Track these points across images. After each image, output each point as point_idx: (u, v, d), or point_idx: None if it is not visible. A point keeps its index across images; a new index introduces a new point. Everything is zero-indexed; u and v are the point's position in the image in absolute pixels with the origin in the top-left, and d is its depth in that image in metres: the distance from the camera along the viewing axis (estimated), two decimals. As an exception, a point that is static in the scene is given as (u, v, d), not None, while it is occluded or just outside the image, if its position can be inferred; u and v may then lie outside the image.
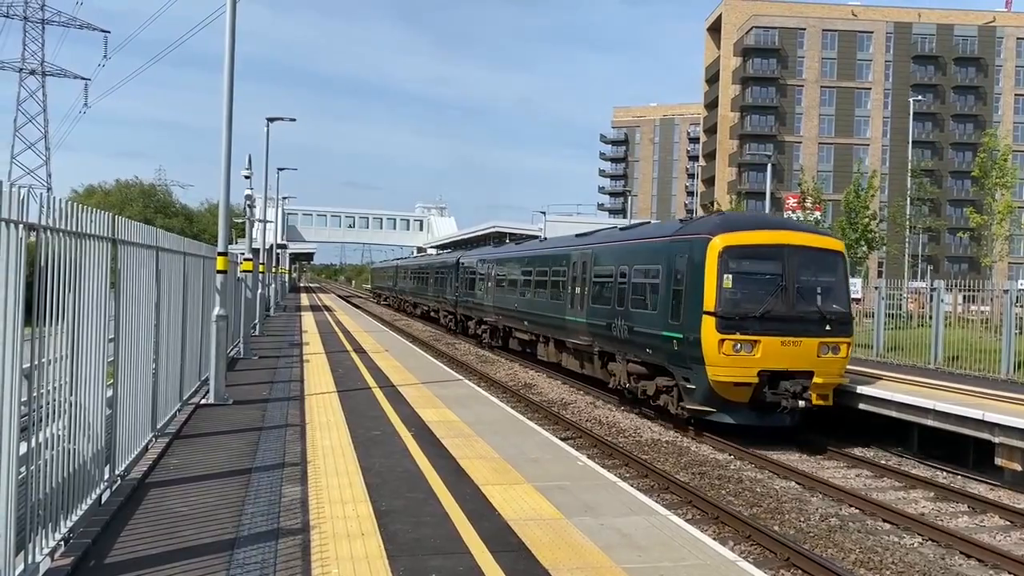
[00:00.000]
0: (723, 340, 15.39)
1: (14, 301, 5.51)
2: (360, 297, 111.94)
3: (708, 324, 15.55)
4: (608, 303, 20.41)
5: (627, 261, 19.70)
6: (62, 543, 6.96)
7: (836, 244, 17.16)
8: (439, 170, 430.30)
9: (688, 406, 16.47)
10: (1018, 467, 13.30)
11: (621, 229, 23.47)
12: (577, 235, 26.87)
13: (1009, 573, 9.68)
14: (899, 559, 9.88)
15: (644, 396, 18.39)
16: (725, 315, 15.48)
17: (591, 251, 22.48)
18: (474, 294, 36.83)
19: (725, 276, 15.69)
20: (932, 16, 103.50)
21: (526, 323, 28.16)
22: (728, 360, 15.42)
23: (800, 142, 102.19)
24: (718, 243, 15.88)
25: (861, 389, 16.66)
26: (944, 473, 14.72)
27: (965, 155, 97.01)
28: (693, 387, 16.07)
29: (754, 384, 15.49)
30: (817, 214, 49.68)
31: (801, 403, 15.41)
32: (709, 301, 15.62)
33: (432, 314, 50.76)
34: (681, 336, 16.35)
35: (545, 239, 32.54)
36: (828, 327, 15.94)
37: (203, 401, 14.74)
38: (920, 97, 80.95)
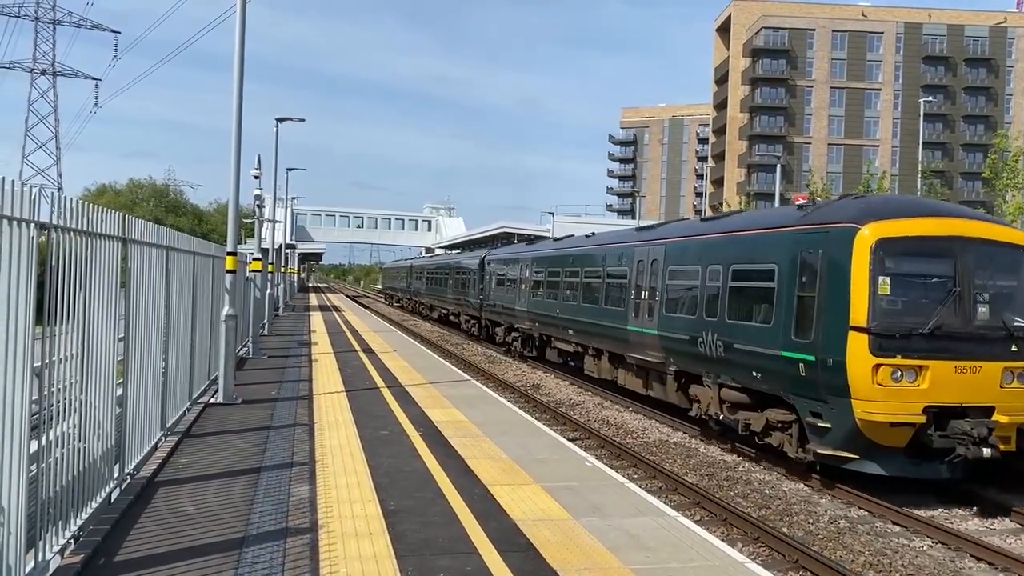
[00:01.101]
0: (879, 365, 11.66)
1: (25, 300, 5.53)
2: (368, 297, 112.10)
3: (857, 343, 11.83)
4: (692, 311, 16.34)
5: (721, 259, 15.56)
6: (72, 541, 6.99)
7: (1021, 237, 13.14)
8: (446, 170, 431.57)
9: (820, 450, 12.47)
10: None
11: (704, 220, 19.35)
12: (639, 228, 22.83)
13: (1019, 576, 9.61)
14: (908, 562, 9.84)
15: (746, 431, 14.53)
16: (882, 332, 11.77)
17: (664, 247, 18.29)
18: (504, 297, 32.62)
19: (881, 279, 11.97)
20: (943, 17, 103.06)
21: (571, 332, 23.95)
22: (884, 392, 11.67)
23: (809, 143, 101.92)
24: (869, 234, 12.10)
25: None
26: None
27: (976, 156, 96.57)
28: (828, 426, 12.28)
29: (918, 424, 11.80)
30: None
31: (986, 451, 11.50)
32: (858, 312, 11.91)
33: (452, 318, 46.54)
34: (812, 358, 12.43)
35: (592, 234, 27.12)
36: (1015, 348, 12.19)
37: (212, 400, 14.79)
38: (930, 98, 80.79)
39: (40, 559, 6.20)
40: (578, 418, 18.52)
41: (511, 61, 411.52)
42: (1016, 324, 12.35)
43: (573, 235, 31.38)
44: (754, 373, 14.10)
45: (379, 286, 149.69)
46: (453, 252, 70.24)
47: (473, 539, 7.52)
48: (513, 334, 31.41)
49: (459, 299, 42.82)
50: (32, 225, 5.68)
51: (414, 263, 67.82)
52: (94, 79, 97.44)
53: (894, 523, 11.47)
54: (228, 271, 15.72)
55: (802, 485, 13.42)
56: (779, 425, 13.63)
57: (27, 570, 5.85)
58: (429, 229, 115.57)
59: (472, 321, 39.80)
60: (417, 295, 62.01)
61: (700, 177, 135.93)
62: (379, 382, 18.26)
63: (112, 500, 8.35)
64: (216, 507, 8.30)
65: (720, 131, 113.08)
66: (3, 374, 5.25)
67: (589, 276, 22.97)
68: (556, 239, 30.42)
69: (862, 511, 12.02)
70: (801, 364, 12.71)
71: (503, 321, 32.94)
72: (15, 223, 5.41)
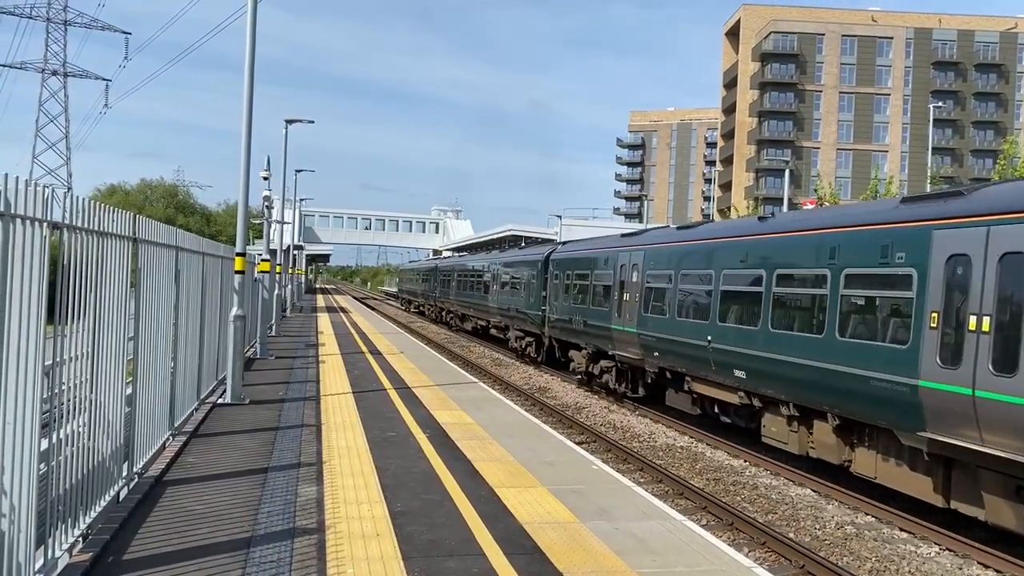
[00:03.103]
0: None
1: (37, 299, 5.57)
2: (376, 299, 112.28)
3: None
4: None
5: None
6: (81, 539, 7.02)
7: None
8: (454, 172, 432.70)
9: None
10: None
11: None
12: (906, 199, 12.28)
13: (1028, 584, 9.50)
14: (916, 568, 9.81)
15: None
16: None
17: None
18: (586, 311, 23.27)
19: None
20: (953, 22, 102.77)
21: (739, 373, 14.77)
22: None
23: (818, 147, 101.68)
24: None
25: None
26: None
27: (985, 162, 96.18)
28: None
29: None
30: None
31: None
32: None
33: (494, 332, 37.44)
34: None
35: (771, 215, 16.89)
36: None
37: (220, 400, 14.84)
38: (940, 103, 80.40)
39: (49, 557, 6.23)
40: (585, 421, 18.51)
41: (519, 64, 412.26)
42: None
43: (710, 219, 21.89)
44: None
45: (391, 288, 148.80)
46: (471, 251, 68.43)
47: (480, 541, 7.53)
48: (603, 363, 21.98)
49: (507, 309, 33.46)
50: (44, 224, 5.71)
51: (440, 263, 57.45)
52: (104, 80, 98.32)
53: (901, 529, 11.43)
54: (237, 272, 15.77)
55: (809, 490, 13.38)
56: None
57: (36, 567, 5.88)
58: (437, 231, 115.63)
59: (527, 339, 30.81)
60: (444, 301, 52.22)
61: (708, 181, 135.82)
62: (386, 384, 18.29)
63: (120, 499, 8.39)
64: (224, 507, 8.33)
65: (728, 135, 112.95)
66: (14, 372, 5.28)
67: (790, 284, 13.88)
68: (681, 227, 20.45)
69: (869, 517, 11.98)
70: None
71: (585, 343, 23.43)
72: (28, 222, 5.44)
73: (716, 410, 16.59)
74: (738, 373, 14.90)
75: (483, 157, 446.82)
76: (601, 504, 8.96)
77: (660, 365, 18.49)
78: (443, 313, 53.24)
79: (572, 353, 24.83)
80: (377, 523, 7.96)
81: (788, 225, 14.69)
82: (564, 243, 29.47)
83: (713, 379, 16.04)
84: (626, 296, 20.30)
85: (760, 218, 16.22)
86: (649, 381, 19.65)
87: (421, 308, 66.45)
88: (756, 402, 14.78)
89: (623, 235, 23.57)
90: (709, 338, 15.71)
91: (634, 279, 19.88)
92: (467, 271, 44.83)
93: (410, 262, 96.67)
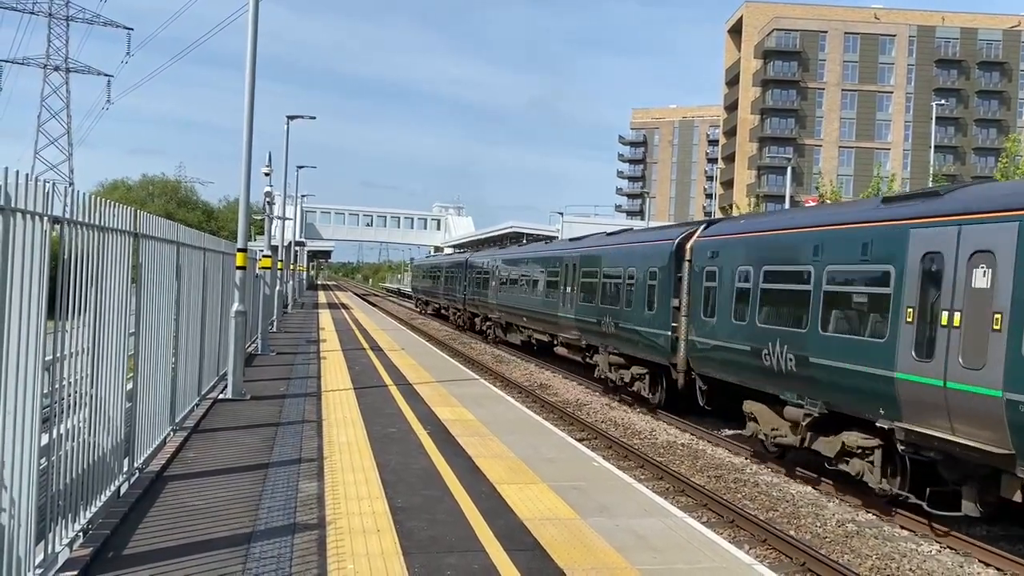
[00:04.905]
0: None
1: (38, 294, 5.56)
2: (377, 296, 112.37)
3: None
4: None
5: None
6: (81, 534, 7.02)
7: None
8: (455, 170, 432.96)
9: None
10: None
11: None
12: None
13: (1029, 582, 9.47)
14: (916, 566, 9.80)
15: None
16: None
17: None
18: (809, 341, 12.74)
19: None
20: (956, 20, 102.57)
21: None
22: None
23: (820, 145, 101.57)
24: None
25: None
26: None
27: (988, 160, 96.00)
28: None
29: None
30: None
31: None
32: None
33: (563, 351, 29.30)
34: None
35: None
36: None
37: (221, 396, 14.84)
38: (943, 101, 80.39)
39: (50, 551, 6.23)
40: (586, 418, 18.50)
41: (520, 62, 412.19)
42: None
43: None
44: None
45: (392, 285, 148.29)
46: (472, 248, 67.40)
47: (480, 537, 7.52)
48: (856, 437, 11.86)
49: (594, 323, 22.85)
50: (45, 219, 5.70)
51: (473, 256, 45.45)
52: (106, 76, 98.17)
53: (902, 527, 11.42)
54: (238, 267, 15.76)
55: (810, 488, 13.37)
56: None
57: (37, 562, 5.88)
58: (438, 228, 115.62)
59: (636, 369, 20.18)
60: (478, 305, 40.65)
61: (710, 178, 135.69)
62: (387, 380, 18.29)
63: (121, 494, 8.39)
64: (224, 502, 8.32)
65: (730, 133, 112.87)
66: (15, 367, 5.27)
67: None
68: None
69: (870, 515, 11.97)
70: None
71: (799, 397, 13.00)
72: (28, 217, 5.43)
73: None
74: None
75: (484, 155, 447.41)
76: (602, 501, 8.96)
77: None
78: (476, 320, 41.56)
79: (752, 407, 14.68)
80: (378, 519, 7.96)
81: None
82: (710, 223, 19.25)
83: None
84: (961, 319, 9.77)
85: None
86: None
87: (443, 312, 53.86)
88: None
89: (899, 196, 12.68)
90: None
91: (1008, 283, 9.14)
92: (518, 266, 32.74)
93: (427, 256, 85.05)
